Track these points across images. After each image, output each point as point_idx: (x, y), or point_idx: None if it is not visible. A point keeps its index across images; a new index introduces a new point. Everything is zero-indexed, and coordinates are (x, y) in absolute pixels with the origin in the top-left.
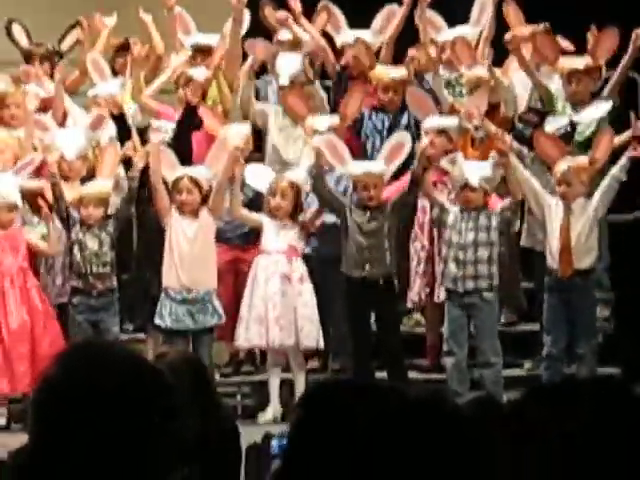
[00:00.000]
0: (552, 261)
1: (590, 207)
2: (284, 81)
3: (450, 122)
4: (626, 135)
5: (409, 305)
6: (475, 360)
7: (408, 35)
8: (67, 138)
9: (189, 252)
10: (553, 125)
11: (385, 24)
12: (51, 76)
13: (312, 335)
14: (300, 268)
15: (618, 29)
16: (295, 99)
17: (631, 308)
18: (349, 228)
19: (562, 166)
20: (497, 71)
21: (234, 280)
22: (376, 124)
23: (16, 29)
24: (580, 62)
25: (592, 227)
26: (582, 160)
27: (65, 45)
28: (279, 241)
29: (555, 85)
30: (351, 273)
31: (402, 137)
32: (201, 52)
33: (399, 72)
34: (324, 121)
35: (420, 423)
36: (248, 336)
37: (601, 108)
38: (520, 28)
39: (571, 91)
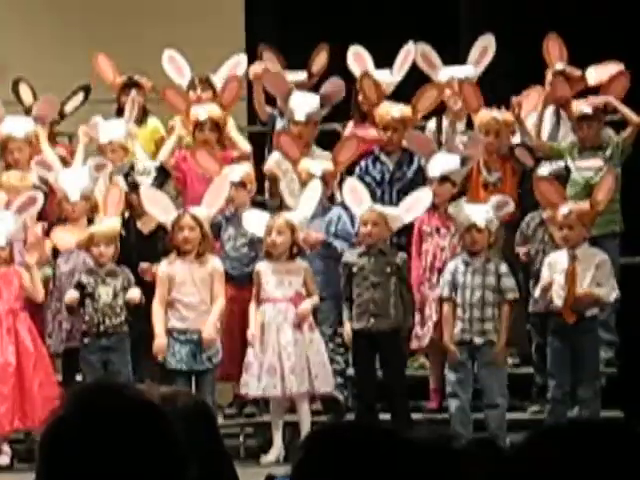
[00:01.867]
0: (556, 304)
1: (598, 255)
2: (300, 117)
3: (452, 167)
4: None
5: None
6: (480, 402)
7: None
8: (71, 179)
9: (195, 295)
10: (548, 168)
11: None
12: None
13: (328, 380)
14: (309, 315)
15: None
16: (288, 141)
17: (636, 351)
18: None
19: (563, 210)
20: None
21: (230, 319)
22: (375, 176)
23: (23, 88)
24: (588, 107)
25: (603, 275)
26: (584, 205)
27: (69, 108)
28: (284, 288)
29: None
30: (354, 325)
31: (423, 193)
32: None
33: (401, 111)
34: (318, 165)
35: (422, 466)
36: (262, 386)
37: (595, 162)
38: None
39: (581, 135)
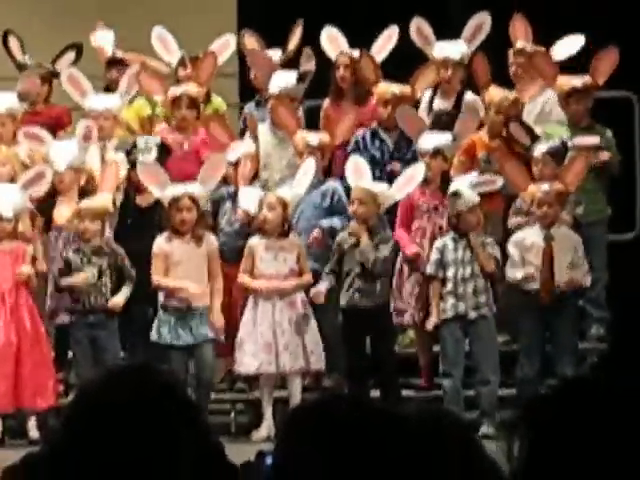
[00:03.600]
0: (531, 287)
1: (573, 237)
2: (274, 90)
3: (444, 141)
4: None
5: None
6: (472, 378)
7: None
8: (59, 149)
9: (190, 273)
10: (545, 146)
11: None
12: (48, 97)
13: (321, 358)
14: (302, 292)
15: (617, 48)
16: (286, 111)
17: (627, 327)
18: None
19: (544, 187)
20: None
21: (229, 296)
22: (374, 154)
23: (12, 41)
24: (578, 81)
25: (579, 258)
26: (558, 185)
27: (60, 65)
28: (279, 265)
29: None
30: (342, 303)
31: (417, 169)
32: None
33: (402, 88)
34: (314, 137)
35: (411, 441)
36: (256, 363)
37: (594, 139)
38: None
39: (570, 111)
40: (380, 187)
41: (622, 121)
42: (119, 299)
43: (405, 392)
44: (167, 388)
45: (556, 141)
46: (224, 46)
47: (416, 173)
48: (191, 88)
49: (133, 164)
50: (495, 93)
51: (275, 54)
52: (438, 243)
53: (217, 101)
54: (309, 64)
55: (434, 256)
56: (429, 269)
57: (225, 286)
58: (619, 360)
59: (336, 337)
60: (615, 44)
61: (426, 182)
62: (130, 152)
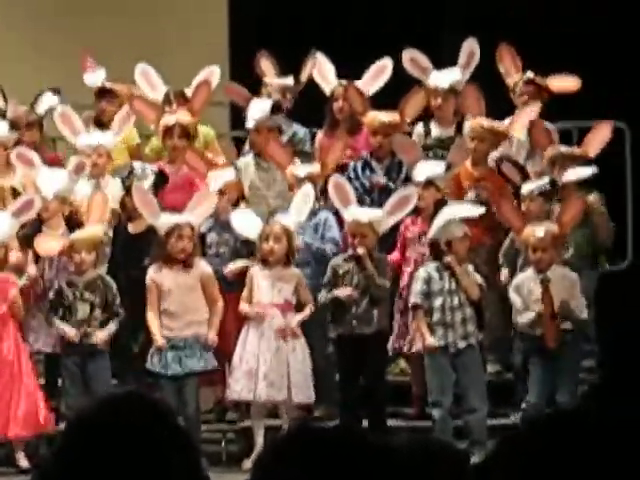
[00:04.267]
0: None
1: (567, 275)
2: (250, 125)
3: (437, 171)
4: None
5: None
6: (459, 408)
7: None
8: (47, 177)
9: (182, 303)
10: (534, 185)
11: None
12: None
13: (305, 391)
14: (294, 323)
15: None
16: (275, 146)
17: (620, 357)
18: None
19: (539, 232)
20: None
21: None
22: (364, 183)
23: None
24: (567, 150)
25: (577, 293)
26: (553, 226)
27: (41, 109)
28: (274, 294)
29: None
30: (337, 330)
31: (409, 191)
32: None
33: (390, 116)
34: (304, 168)
35: (400, 469)
36: (237, 389)
37: (584, 171)
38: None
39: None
40: (375, 214)
41: (613, 151)
42: (103, 335)
43: (395, 422)
44: (158, 415)
45: (545, 180)
46: (210, 75)
47: (407, 196)
48: (183, 117)
49: (128, 190)
50: (478, 122)
51: (288, 81)
52: (422, 273)
53: (204, 130)
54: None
55: (420, 286)
56: (415, 299)
57: None
58: (612, 388)
59: (326, 367)
60: (607, 74)
61: (418, 211)
62: (127, 178)
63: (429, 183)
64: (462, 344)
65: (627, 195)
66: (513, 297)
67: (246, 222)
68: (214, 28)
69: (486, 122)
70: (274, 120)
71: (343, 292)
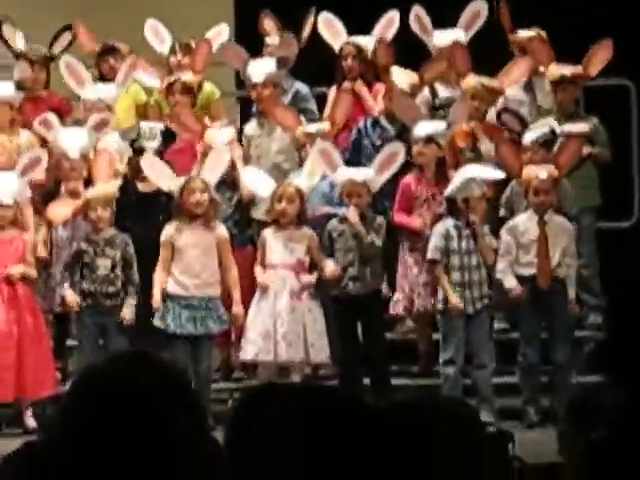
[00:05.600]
0: (526, 272)
1: (565, 223)
2: (258, 78)
3: (438, 128)
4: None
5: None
6: (467, 366)
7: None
8: (70, 136)
9: (199, 260)
10: (534, 134)
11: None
12: (47, 83)
13: (323, 350)
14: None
15: (612, 41)
16: (282, 111)
17: (622, 315)
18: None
19: (542, 174)
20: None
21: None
22: (374, 141)
23: (7, 29)
24: (568, 70)
25: (570, 244)
26: (553, 169)
27: (56, 49)
28: (287, 255)
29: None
30: (332, 292)
31: (395, 147)
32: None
33: (409, 81)
34: (313, 125)
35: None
36: (252, 350)
37: (583, 126)
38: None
39: (558, 98)
40: (367, 174)
41: (619, 108)
42: (128, 313)
43: (401, 380)
44: (166, 374)
45: (546, 129)
46: (217, 34)
47: (394, 153)
48: (185, 75)
49: (136, 150)
50: (470, 79)
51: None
52: (440, 228)
53: (208, 89)
54: (289, 50)
55: (438, 241)
56: (433, 254)
57: None
58: (617, 347)
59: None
60: (612, 32)
61: (421, 170)
62: (135, 139)
63: (430, 140)
64: (479, 305)
65: (633, 153)
66: (504, 237)
67: (258, 180)
68: None
69: (485, 80)
70: (280, 76)
71: (329, 269)
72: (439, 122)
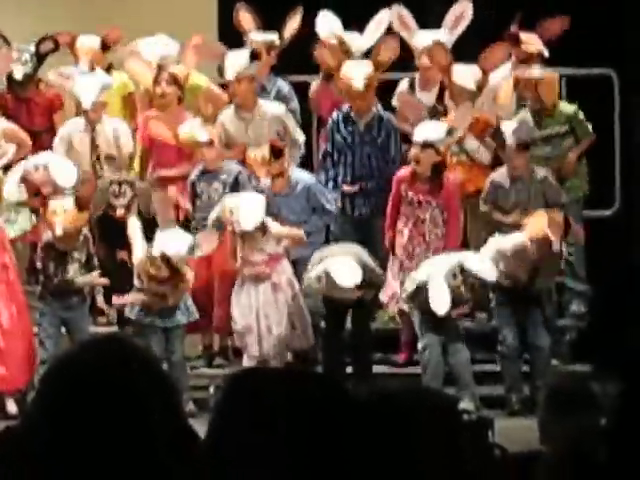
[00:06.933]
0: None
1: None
2: (229, 76)
3: (436, 135)
4: None
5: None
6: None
7: None
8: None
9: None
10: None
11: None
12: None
13: (307, 336)
14: (286, 271)
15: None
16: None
17: (606, 304)
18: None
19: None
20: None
21: (198, 272)
22: (345, 137)
23: None
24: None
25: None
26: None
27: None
28: (259, 253)
29: None
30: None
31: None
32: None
33: (363, 79)
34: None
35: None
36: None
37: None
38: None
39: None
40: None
41: (601, 98)
42: (80, 280)
43: (382, 368)
44: (139, 360)
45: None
46: (196, 42)
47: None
48: (175, 65)
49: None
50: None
51: (272, 36)
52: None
53: (195, 78)
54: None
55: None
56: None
57: (205, 261)
58: (604, 336)
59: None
60: (595, 22)
61: (416, 173)
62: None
63: (427, 145)
64: None
65: (615, 142)
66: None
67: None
68: None
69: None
70: (252, 68)
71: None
72: (439, 125)
